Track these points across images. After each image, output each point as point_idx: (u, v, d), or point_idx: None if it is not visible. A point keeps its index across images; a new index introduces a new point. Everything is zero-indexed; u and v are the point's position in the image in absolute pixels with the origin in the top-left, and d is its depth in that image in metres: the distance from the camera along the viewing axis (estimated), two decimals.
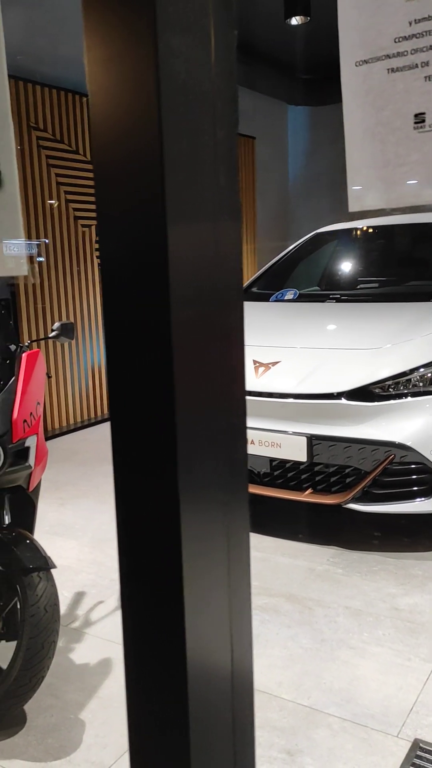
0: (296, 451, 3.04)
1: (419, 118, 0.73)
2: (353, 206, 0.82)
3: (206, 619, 0.78)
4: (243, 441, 0.84)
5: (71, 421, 5.57)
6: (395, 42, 0.74)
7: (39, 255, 5.21)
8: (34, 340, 2.47)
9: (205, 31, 0.69)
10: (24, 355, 2.13)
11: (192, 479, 0.74)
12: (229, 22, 0.72)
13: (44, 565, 1.91)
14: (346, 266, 4.57)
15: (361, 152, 0.78)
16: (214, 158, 0.72)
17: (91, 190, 5.74)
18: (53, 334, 2.48)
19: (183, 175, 0.68)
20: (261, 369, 3.20)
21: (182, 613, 0.73)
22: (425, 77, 0.72)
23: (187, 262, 0.70)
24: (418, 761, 1.75)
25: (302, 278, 4.57)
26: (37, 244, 5.18)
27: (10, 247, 0.88)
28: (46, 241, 5.28)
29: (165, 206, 0.66)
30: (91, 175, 5.59)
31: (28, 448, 2.05)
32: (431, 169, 0.72)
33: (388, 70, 0.75)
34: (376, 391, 2.97)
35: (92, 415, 5.78)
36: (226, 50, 0.72)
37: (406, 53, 0.72)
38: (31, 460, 2.07)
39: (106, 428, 5.53)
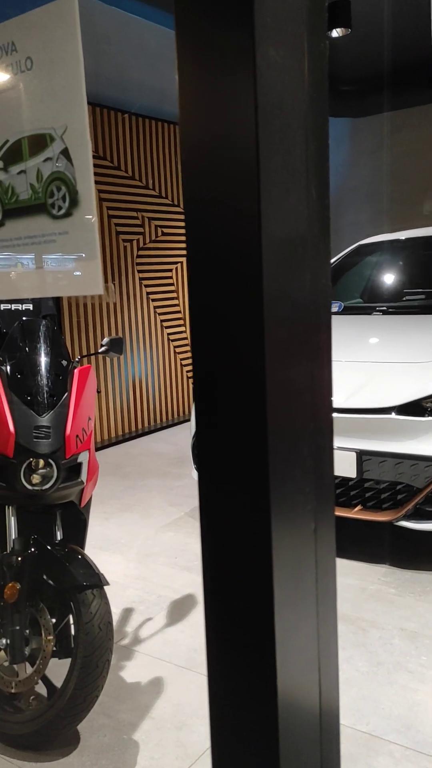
0: (345, 467, 2.98)
1: None
2: None
3: (296, 651, 0.74)
4: (330, 463, 0.81)
5: (113, 435, 5.60)
6: None
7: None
8: (85, 356, 2.48)
9: (300, 41, 0.66)
10: (76, 370, 2.13)
11: (283, 506, 0.71)
12: (322, 31, 0.70)
13: (98, 582, 1.90)
14: (391, 278, 4.50)
15: None
16: (306, 171, 0.70)
17: (133, 205, 5.80)
18: (103, 349, 2.48)
19: (277, 189, 0.66)
20: None
21: (273, 645, 0.70)
22: None
23: (279, 278, 0.68)
24: None
25: (344, 290, 4.51)
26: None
27: (86, 267, 0.87)
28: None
29: (260, 221, 0.64)
30: (132, 190, 5.65)
31: (80, 464, 2.05)
32: None
33: None
34: (428, 405, 2.90)
35: (134, 428, 5.80)
36: (319, 60, 0.69)
37: None
38: (83, 476, 2.07)
39: (147, 441, 5.53)
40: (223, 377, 0.69)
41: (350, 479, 2.99)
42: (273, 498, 0.69)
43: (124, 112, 5.52)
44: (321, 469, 0.78)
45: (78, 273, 0.89)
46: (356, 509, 2.99)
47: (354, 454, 2.96)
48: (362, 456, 2.94)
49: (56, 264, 0.89)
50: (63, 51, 0.82)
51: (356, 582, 2.86)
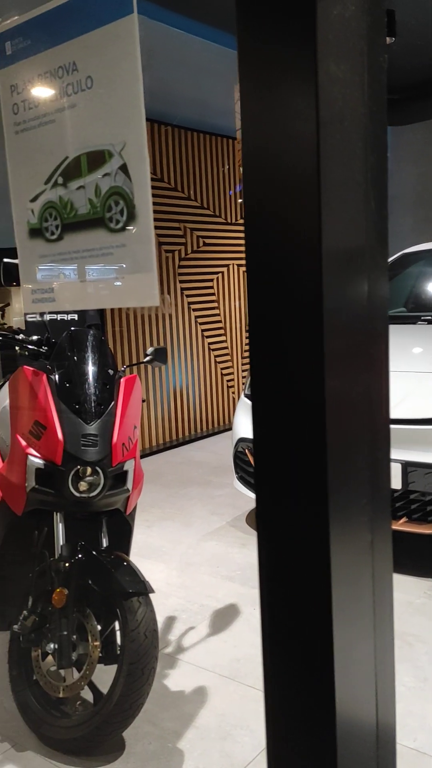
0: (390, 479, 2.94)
1: None
2: None
3: (353, 664, 0.74)
4: (387, 475, 0.81)
5: (154, 443, 5.64)
6: None
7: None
8: (130, 365, 2.51)
9: (360, 56, 0.67)
10: (122, 379, 2.16)
11: (340, 518, 0.71)
12: (381, 46, 0.70)
13: (143, 589, 1.92)
14: None
15: None
16: (365, 183, 0.70)
17: (175, 216, 5.86)
18: (147, 358, 2.51)
19: (337, 201, 0.66)
20: None
21: (331, 658, 0.70)
22: None
23: (339, 288, 0.68)
24: None
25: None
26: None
27: (142, 278, 0.89)
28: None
29: (320, 232, 0.64)
30: (175, 201, 5.71)
31: (126, 472, 2.07)
32: None
33: None
34: None
35: (174, 437, 5.83)
36: (378, 73, 0.70)
37: None
38: (129, 484, 2.09)
39: (187, 450, 5.56)
40: (282, 388, 0.69)
41: (395, 491, 2.95)
42: (331, 510, 0.69)
43: (166, 124, 5.60)
44: (377, 481, 0.78)
45: (135, 285, 0.91)
46: (401, 521, 2.95)
47: (399, 466, 2.92)
48: (407, 467, 2.90)
49: (113, 276, 0.91)
50: (122, 69, 0.84)
51: (402, 596, 2.81)
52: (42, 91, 0.92)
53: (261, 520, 0.74)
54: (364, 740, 0.77)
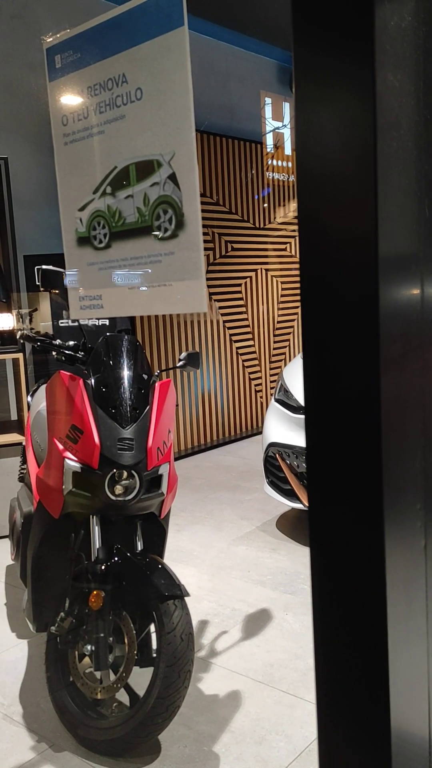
0: None
1: None
2: None
3: (408, 672, 0.74)
4: None
5: (183, 447, 5.66)
6: None
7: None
8: (164, 370, 2.53)
9: (417, 65, 0.68)
10: (157, 384, 2.18)
11: (395, 522, 0.71)
12: None
13: (179, 593, 1.93)
14: None
15: None
16: (420, 191, 0.71)
17: (204, 221, 5.88)
18: (180, 363, 2.53)
19: (393, 208, 0.67)
20: None
21: (386, 665, 0.70)
22: None
23: (394, 294, 0.69)
24: None
25: None
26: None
27: (191, 285, 0.90)
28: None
29: (377, 239, 0.65)
30: (203, 207, 5.73)
31: (161, 476, 2.09)
32: None
33: None
34: None
35: (203, 441, 5.85)
36: None
37: None
38: (164, 488, 2.11)
39: (217, 455, 5.57)
40: (337, 395, 0.70)
41: None
42: (386, 514, 0.69)
43: (196, 131, 5.64)
44: (430, 485, 0.78)
45: (182, 292, 0.93)
46: None
47: None
48: None
49: (161, 283, 0.92)
50: (172, 81, 0.86)
51: None
52: (92, 103, 0.94)
53: (314, 528, 0.75)
54: (417, 755, 0.77)
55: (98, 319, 4.23)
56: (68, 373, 2.13)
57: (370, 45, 0.61)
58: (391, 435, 0.69)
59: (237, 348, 6.17)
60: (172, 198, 0.88)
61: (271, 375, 6.57)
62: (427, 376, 0.76)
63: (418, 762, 0.78)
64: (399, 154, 0.67)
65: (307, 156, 0.68)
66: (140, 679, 2.00)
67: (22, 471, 3.20)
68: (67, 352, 2.18)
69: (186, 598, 1.96)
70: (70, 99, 0.97)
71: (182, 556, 3.47)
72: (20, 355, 3.96)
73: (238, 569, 3.27)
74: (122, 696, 2.06)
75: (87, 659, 2.05)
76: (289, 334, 6.78)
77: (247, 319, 6.26)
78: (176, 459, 5.45)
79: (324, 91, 0.65)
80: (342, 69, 0.63)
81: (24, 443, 3.13)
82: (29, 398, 3.18)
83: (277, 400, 3.79)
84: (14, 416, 4.50)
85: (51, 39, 0.97)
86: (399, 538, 0.71)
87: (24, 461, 3.11)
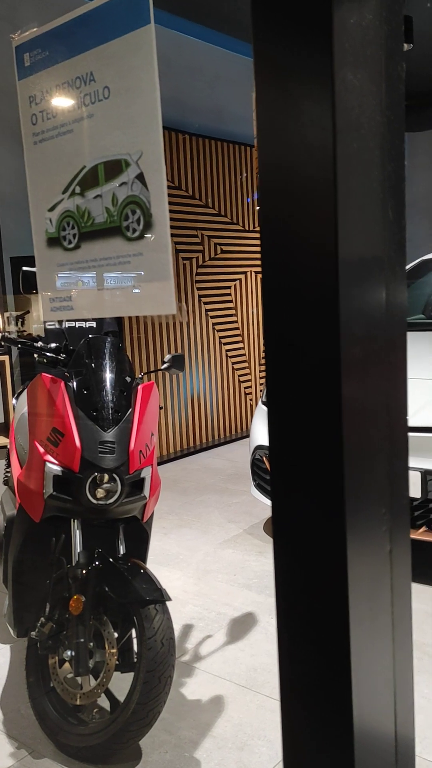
0: (410, 487, 2.91)
1: None
2: None
3: (371, 676, 0.73)
4: (405, 484, 0.80)
5: (171, 450, 5.65)
6: None
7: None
8: (148, 372, 2.52)
9: (378, 64, 0.67)
10: (140, 386, 2.16)
11: (358, 527, 0.70)
12: (399, 55, 0.70)
13: (160, 597, 1.91)
14: None
15: None
16: (383, 192, 0.70)
17: (192, 224, 5.88)
18: (165, 365, 2.51)
19: (354, 210, 0.66)
20: None
21: (348, 669, 0.69)
22: None
23: (356, 297, 0.68)
24: None
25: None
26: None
27: (160, 287, 0.89)
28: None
29: (337, 241, 0.64)
30: (192, 209, 5.73)
31: (143, 479, 2.07)
32: None
33: None
34: None
35: (191, 444, 5.83)
36: (396, 82, 0.70)
37: None
38: (146, 491, 2.09)
39: (205, 457, 5.55)
40: (298, 397, 0.69)
41: (415, 500, 2.92)
42: (348, 519, 0.68)
43: (182, 132, 5.63)
44: (396, 490, 0.77)
45: (151, 293, 0.91)
46: (421, 530, 2.92)
47: (419, 474, 2.89)
48: (427, 476, 2.87)
49: (130, 284, 0.91)
50: (140, 79, 0.85)
51: (421, 606, 2.78)
52: (60, 102, 0.93)
53: (277, 529, 0.74)
54: (382, 753, 0.76)
55: (85, 321, 4.21)
56: (50, 376, 2.11)
57: (329, 43, 0.60)
58: (353, 439, 0.68)
59: (226, 350, 6.16)
60: (140, 198, 0.87)
61: (260, 377, 6.56)
62: (392, 379, 0.75)
63: (383, 758, 0.77)
64: (360, 156, 0.66)
65: (268, 156, 0.67)
66: (122, 684, 1.98)
67: (6, 474, 3.18)
68: (48, 354, 2.16)
69: (170, 603, 1.94)
70: (39, 98, 0.96)
71: (168, 559, 3.45)
72: (6, 358, 3.94)
73: (224, 572, 3.25)
74: (103, 701, 2.04)
75: (67, 665, 2.02)
76: None
77: (236, 322, 6.26)
78: (164, 462, 5.43)
79: (283, 90, 0.64)
80: (301, 68, 0.63)
81: (8, 446, 3.11)
82: (14, 400, 3.16)
83: (264, 403, 3.79)
84: (1, 419, 4.48)
85: (20, 37, 0.96)
86: (362, 543, 0.70)
87: (9, 464, 3.09)
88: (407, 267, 4.65)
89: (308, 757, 0.74)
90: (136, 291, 0.91)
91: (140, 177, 0.86)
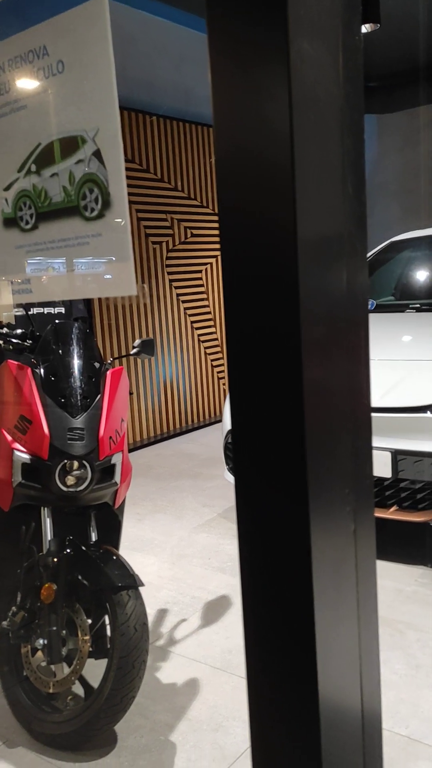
0: (380, 467, 2.94)
1: None
2: None
3: (337, 653, 0.73)
4: (369, 463, 0.80)
5: (145, 436, 5.62)
6: None
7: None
8: (117, 357, 2.49)
9: (335, 35, 0.65)
10: (109, 372, 2.14)
11: (321, 507, 0.70)
12: (357, 25, 0.68)
13: (133, 583, 1.91)
14: (424, 274, 4.44)
15: None
16: (342, 166, 0.68)
17: (162, 207, 5.82)
18: (135, 350, 2.49)
19: (313, 185, 0.65)
20: None
21: (314, 647, 0.69)
22: None
23: (316, 275, 0.67)
24: None
25: (376, 288, 4.46)
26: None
27: (120, 268, 0.87)
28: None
29: (296, 217, 0.63)
30: (161, 192, 5.67)
31: (114, 465, 2.06)
32: None
33: None
34: None
35: (166, 429, 5.82)
36: (354, 54, 0.68)
37: None
38: (117, 477, 2.08)
39: (179, 443, 5.55)
40: (259, 378, 0.68)
41: (385, 479, 2.95)
42: (311, 499, 0.67)
43: (151, 114, 5.55)
44: (360, 469, 0.77)
45: (112, 275, 0.89)
46: (392, 510, 2.95)
47: (389, 454, 2.92)
48: (397, 455, 2.90)
49: (90, 266, 0.89)
50: (94, 53, 0.82)
51: (392, 584, 2.82)
52: (12, 76, 0.90)
53: (241, 510, 0.73)
54: (349, 727, 0.76)
55: (54, 306, 4.15)
56: (16, 363, 2.07)
57: (284, 11, 0.59)
58: (315, 418, 0.67)
59: (198, 335, 6.14)
60: (97, 176, 0.84)
61: None
62: (355, 358, 0.74)
63: (350, 733, 0.77)
64: (318, 129, 0.64)
65: (224, 131, 0.65)
66: (96, 671, 1.97)
67: None
68: (14, 340, 2.12)
69: (145, 588, 1.93)
70: None
71: (143, 545, 3.44)
72: None
73: (198, 557, 3.26)
74: (77, 689, 2.03)
75: (40, 653, 2.01)
76: None
77: (208, 306, 6.23)
78: (138, 448, 5.41)
79: (238, 61, 0.62)
80: (255, 37, 0.61)
81: None
82: None
83: None
84: None
85: None
86: (326, 523, 0.70)
87: None
88: (377, 249, 4.66)
89: (275, 733, 0.74)
90: (96, 273, 0.88)
91: (97, 154, 0.83)
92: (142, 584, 1.93)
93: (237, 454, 0.71)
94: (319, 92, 0.64)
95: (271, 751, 0.74)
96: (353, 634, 0.76)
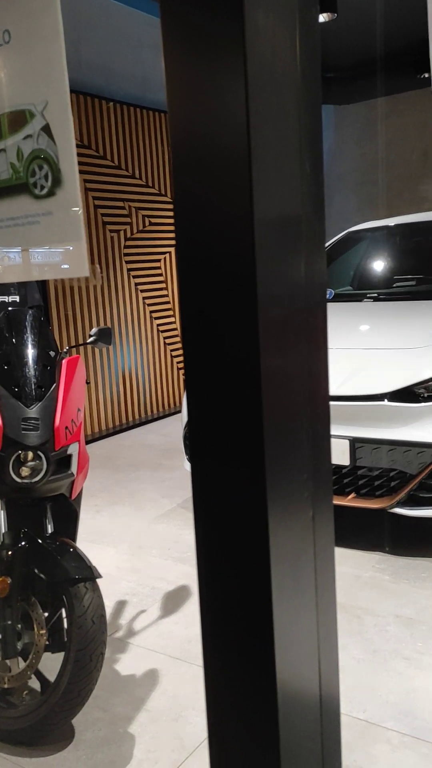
0: (338, 455, 2.97)
1: None
2: None
3: (295, 639, 0.72)
4: (327, 449, 0.79)
5: (104, 427, 5.56)
6: None
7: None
8: (73, 346, 2.44)
9: (291, 8, 0.63)
10: (64, 361, 2.09)
11: (279, 493, 0.69)
12: (314, 1, 0.67)
13: (90, 575, 1.88)
14: (381, 264, 4.48)
15: None
16: (299, 143, 0.67)
17: (120, 195, 5.73)
18: (91, 339, 2.44)
19: (270, 165, 0.63)
20: None
21: (271, 634, 0.68)
22: None
23: (273, 257, 0.65)
24: None
25: (335, 278, 4.49)
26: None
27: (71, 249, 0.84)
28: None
29: (252, 195, 0.61)
30: (119, 180, 5.58)
31: (70, 456, 2.02)
32: None
33: None
34: (420, 391, 2.89)
35: (125, 420, 5.76)
36: (311, 27, 0.66)
37: None
38: (74, 468, 2.04)
39: (138, 433, 5.50)
40: (216, 364, 0.66)
41: (344, 467, 2.98)
42: (269, 485, 0.66)
43: (109, 100, 5.45)
44: (318, 456, 0.76)
45: (63, 256, 0.86)
46: (350, 497, 2.98)
47: (347, 442, 2.94)
48: (355, 443, 2.93)
49: (40, 246, 0.86)
50: (42, 24, 0.79)
51: (350, 570, 2.85)
52: None
53: (197, 497, 0.71)
54: (307, 712, 0.76)
55: (8, 295, 4.05)
56: None
57: None
58: (272, 404, 0.66)
59: (158, 324, 6.09)
60: (47, 152, 0.81)
61: None
62: (311, 344, 0.73)
63: (308, 718, 0.77)
64: (274, 103, 0.62)
65: (178, 107, 0.63)
66: (53, 664, 1.94)
67: None
68: None
69: (104, 580, 1.91)
70: None
71: (101, 537, 3.41)
72: None
73: (158, 547, 3.24)
74: (34, 683, 1.99)
75: None
76: None
77: (167, 295, 6.18)
78: (96, 439, 5.34)
79: (191, 33, 0.60)
80: (208, 8, 0.58)
81: None
82: None
83: None
84: None
85: None
86: (284, 508, 0.69)
87: None
88: (335, 239, 4.69)
89: (233, 722, 0.73)
90: (47, 253, 0.85)
91: (46, 129, 0.80)
92: (100, 576, 1.90)
93: (193, 441, 0.69)
94: (276, 67, 0.62)
95: (229, 739, 0.73)
96: (311, 621, 0.75)
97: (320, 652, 0.77)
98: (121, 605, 2.70)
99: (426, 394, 2.88)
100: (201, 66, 0.61)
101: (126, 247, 5.69)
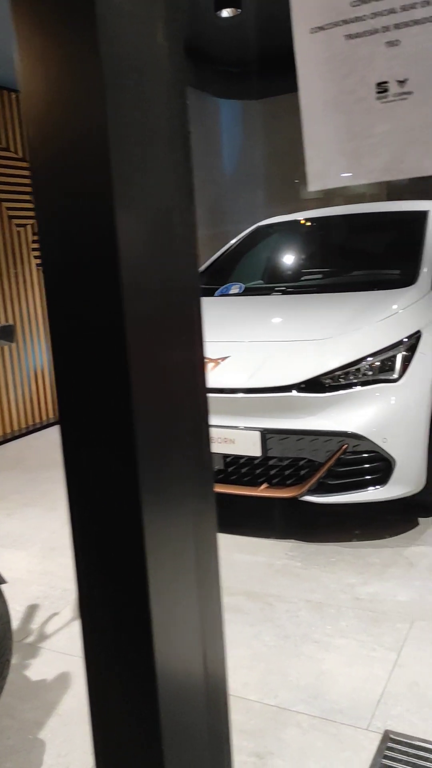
0: (250, 446, 3.00)
1: (382, 88, 0.69)
2: (314, 185, 0.76)
3: (175, 628, 0.71)
4: (207, 440, 0.78)
5: (15, 428, 5.39)
6: (352, 6, 0.69)
7: None
8: None
9: None
10: None
11: (155, 484, 0.68)
12: None
13: None
14: (289, 258, 4.57)
15: (322, 126, 0.72)
16: (170, 132, 0.66)
17: (26, 189, 5.57)
18: None
19: (134, 152, 0.61)
20: (211, 365, 3.15)
21: (149, 623, 0.67)
22: (386, 43, 0.67)
23: (139, 252, 0.63)
24: (389, 752, 1.74)
25: (245, 272, 4.54)
26: None
27: None
28: None
29: (112, 190, 0.59)
30: (24, 173, 5.41)
31: None
32: (399, 141, 0.68)
33: (346, 36, 0.70)
34: (327, 381, 2.96)
35: (36, 420, 5.61)
36: (174, 8, 0.65)
37: (365, 18, 0.68)
38: None
39: (51, 433, 5.37)
40: (84, 356, 0.64)
41: (255, 458, 3.02)
42: (142, 478, 0.65)
43: (10, 90, 5.28)
44: (198, 444, 0.75)
45: None
46: (262, 487, 3.02)
47: (258, 433, 2.98)
48: (266, 434, 2.97)
49: None
50: None
51: (264, 559, 2.90)
52: None
53: (72, 489, 0.69)
54: (191, 697, 0.76)
55: None
56: None
57: None
58: (144, 406, 0.64)
59: None
60: None
61: None
62: (185, 334, 0.72)
63: (192, 704, 0.77)
64: (136, 92, 0.61)
65: (31, 96, 0.60)
66: None
67: None
68: None
69: (14, 584, 1.85)
70: None
71: (12, 541, 3.30)
72: None
73: (70, 549, 3.17)
74: None
75: None
76: None
77: None
78: (8, 440, 5.18)
79: (41, 11, 0.58)
80: None
81: None
82: None
83: None
84: None
85: None
86: (160, 503, 0.68)
87: None
88: (243, 234, 4.73)
89: (113, 706, 0.72)
90: None
91: None
92: (4, 581, 1.84)
93: (65, 431, 0.67)
94: (138, 50, 0.61)
95: (110, 726, 0.72)
96: (194, 607, 0.75)
97: (204, 635, 0.77)
98: (32, 609, 2.62)
99: (332, 384, 2.96)
100: (52, 46, 0.59)
101: (35, 242, 5.53)
